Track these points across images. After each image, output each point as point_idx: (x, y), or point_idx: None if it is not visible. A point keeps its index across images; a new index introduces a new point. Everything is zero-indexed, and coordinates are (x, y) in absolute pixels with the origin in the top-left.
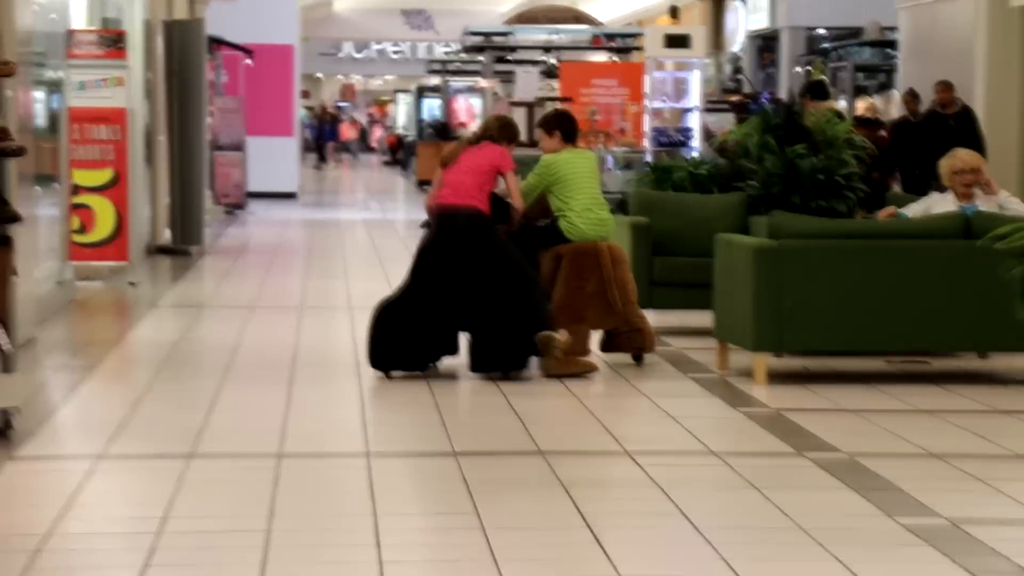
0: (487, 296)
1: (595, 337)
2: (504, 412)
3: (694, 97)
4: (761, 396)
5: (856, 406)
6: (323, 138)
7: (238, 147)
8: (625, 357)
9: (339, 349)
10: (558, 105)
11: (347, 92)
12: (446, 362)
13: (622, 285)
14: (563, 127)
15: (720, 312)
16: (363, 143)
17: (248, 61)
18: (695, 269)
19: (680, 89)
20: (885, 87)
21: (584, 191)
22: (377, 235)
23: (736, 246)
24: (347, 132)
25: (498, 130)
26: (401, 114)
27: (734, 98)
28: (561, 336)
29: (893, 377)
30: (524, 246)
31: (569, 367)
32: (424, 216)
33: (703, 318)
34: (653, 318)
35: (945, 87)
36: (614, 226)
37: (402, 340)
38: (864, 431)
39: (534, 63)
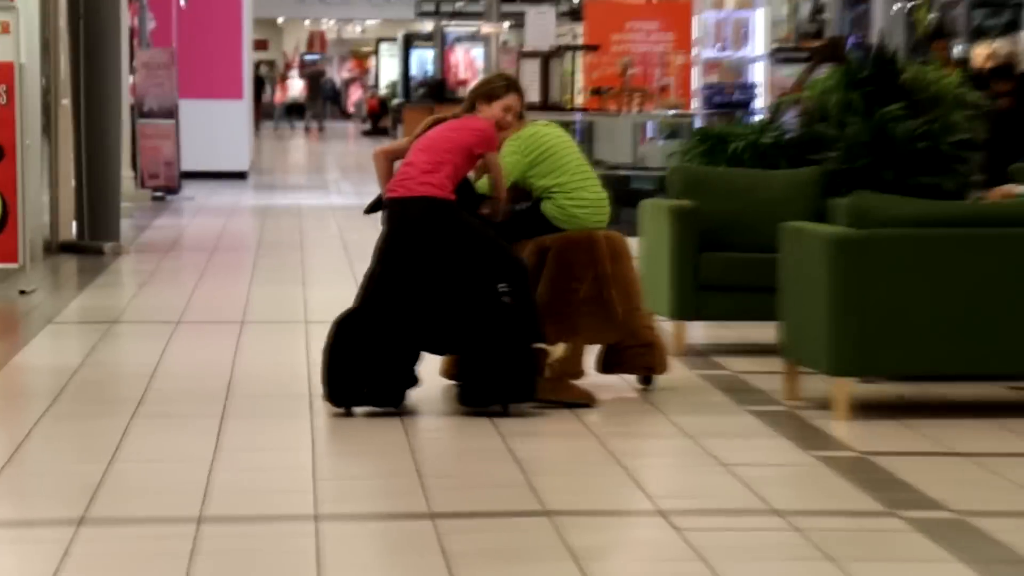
0: (468, 304)
1: (590, 352)
2: (500, 458)
3: (759, 43)
4: (842, 435)
5: (968, 448)
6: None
7: (169, 114)
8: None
9: (288, 377)
10: (581, 56)
11: (315, 42)
12: (425, 393)
13: (624, 286)
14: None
15: (788, 325)
16: (336, 107)
17: (182, 1)
18: (755, 268)
19: (741, 34)
20: (1014, 27)
21: (574, 165)
22: (349, 226)
23: (809, 237)
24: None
25: (484, 91)
26: (385, 70)
27: (813, 44)
28: (555, 350)
29: (1017, 409)
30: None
31: (561, 392)
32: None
33: (765, 332)
34: (699, 332)
35: None
36: (610, 210)
37: (366, 365)
38: (979, 481)
39: (551, 1)
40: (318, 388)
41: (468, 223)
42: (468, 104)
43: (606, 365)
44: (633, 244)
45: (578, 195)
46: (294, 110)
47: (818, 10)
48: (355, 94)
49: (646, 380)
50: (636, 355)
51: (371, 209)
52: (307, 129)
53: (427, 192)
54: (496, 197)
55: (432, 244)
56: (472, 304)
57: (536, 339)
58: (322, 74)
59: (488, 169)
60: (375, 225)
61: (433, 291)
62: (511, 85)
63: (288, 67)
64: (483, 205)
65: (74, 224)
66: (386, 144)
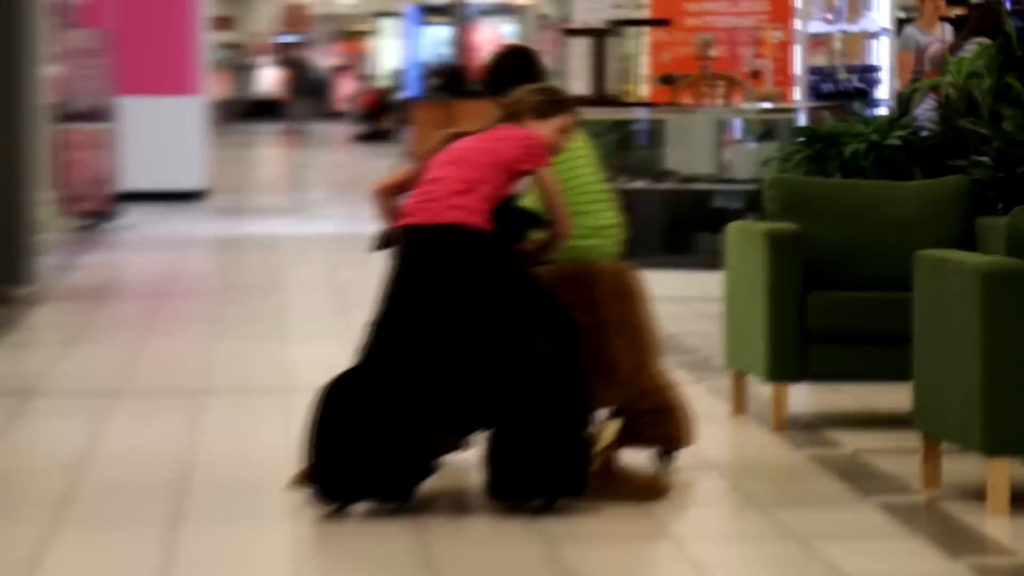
0: (503, 366)
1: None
2: (544, 571)
3: (883, 13)
4: (1000, 535)
5: None
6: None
7: (102, 116)
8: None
9: (263, 466)
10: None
11: (294, 18)
12: (441, 481)
13: (632, 334)
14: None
15: (924, 387)
16: (320, 102)
17: None
18: (879, 312)
19: (857, 1)
20: None
21: (584, 183)
22: (341, 262)
23: (954, 270)
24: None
25: (536, 106)
26: (386, 54)
27: (955, 12)
28: (608, 429)
29: None
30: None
31: (620, 489)
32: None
33: (893, 396)
34: (805, 397)
35: None
36: (621, 236)
37: (366, 446)
38: None
39: None
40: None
41: (508, 261)
42: (509, 116)
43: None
44: (705, 281)
45: (585, 221)
46: (265, 108)
47: None
48: (346, 86)
49: (666, 455)
50: (648, 424)
51: (381, 245)
52: (290, 133)
53: (458, 218)
54: (554, 223)
55: (459, 286)
56: (508, 366)
57: (588, 415)
58: (304, 64)
59: (540, 189)
60: (377, 260)
61: (456, 348)
62: (570, 100)
63: (257, 51)
64: (535, 233)
65: None
66: (387, 176)
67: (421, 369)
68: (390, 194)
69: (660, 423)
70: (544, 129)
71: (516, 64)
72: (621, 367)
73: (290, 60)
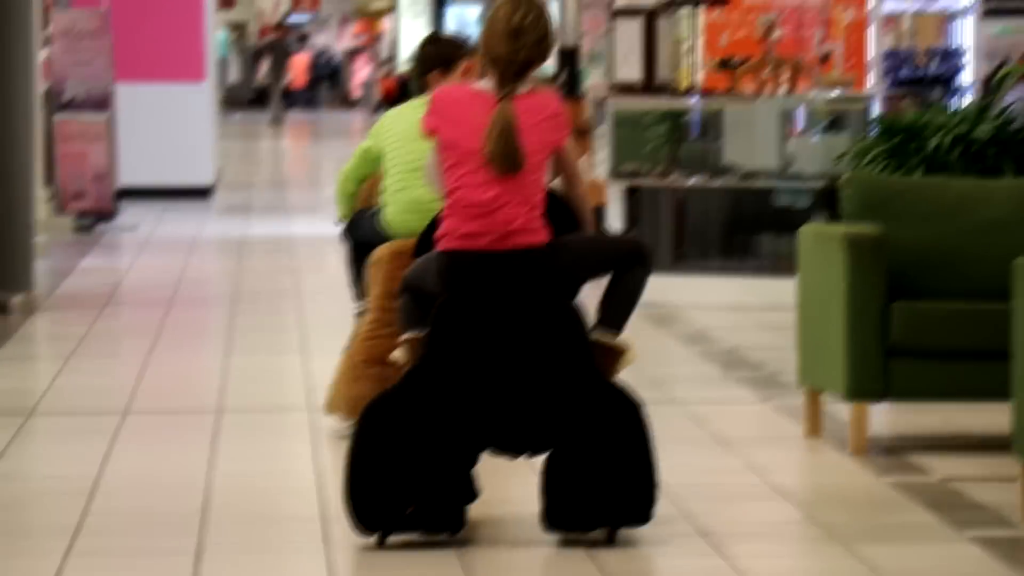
0: (562, 383)
1: None
2: None
3: None
4: None
5: None
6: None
7: (101, 104)
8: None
9: (290, 492)
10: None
11: None
12: (488, 509)
13: None
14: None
15: None
16: (333, 88)
17: None
18: (970, 324)
19: None
20: None
21: (401, 157)
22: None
23: None
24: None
25: (441, 58)
26: (407, 36)
27: None
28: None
29: None
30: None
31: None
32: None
33: (986, 418)
34: (889, 418)
35: None
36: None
37: (409, 473)
38: None
39: None
40: (335, 508)
41: (576, 270)
42: (418, 74)
43: None
44: (768, 288)
45: (401, 196)
46: (264, 95)
47: None
48: (362, 71)
49: None
50: None
51: (419, 250)
52: (275, 121)
53: (536, 240)
54: (578, 207)
55: (529, 310)
56: (569, 389)
57: (650, 442)
58: (287, 49)
59: (562, 168)
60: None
61: (517, 369)
62: (465, 43)
63: (264, 32)
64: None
65: None
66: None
67: (474, 390)
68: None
69: None
70: (452, 79)
71: (439, 51)
72: None
73: (272, 44)
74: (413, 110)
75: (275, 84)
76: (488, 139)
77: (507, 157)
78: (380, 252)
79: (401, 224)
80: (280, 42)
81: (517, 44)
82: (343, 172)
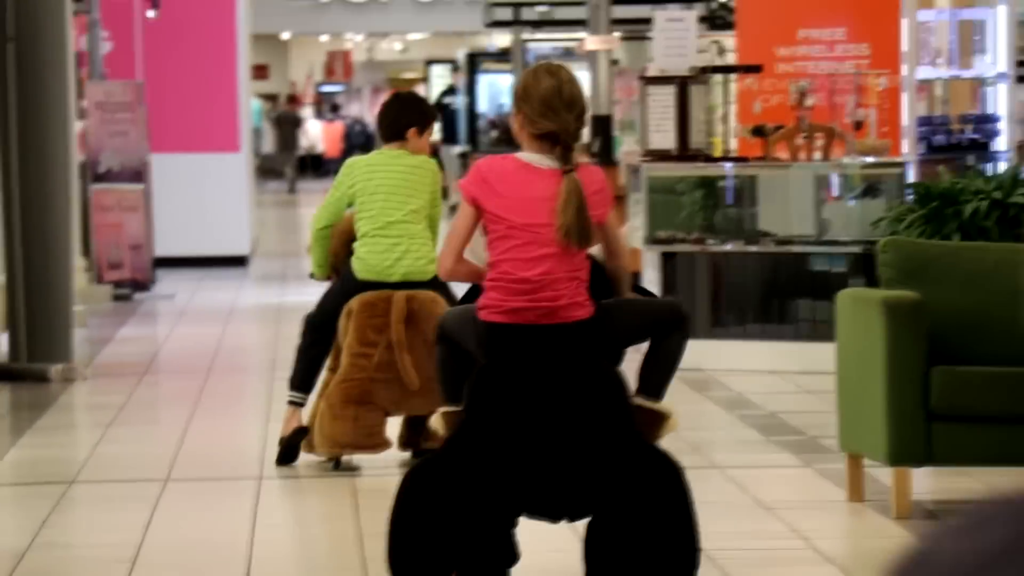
0: (605, 448)
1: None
2: None
3: (1000, 55)
4: None
5: None
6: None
7: (136, 176)
8: None
9: (333, 555)
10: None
11: (336, 65)
12: (527, 568)
13: (421, 351)
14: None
15: None
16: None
17: (151, 13)
18: (1011, 388)
19: (970, 42)
20: None
21: (377, 204)
22: None
23: None
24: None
25: (418, 119)
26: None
27: None
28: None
29: None
30: None
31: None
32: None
33: None
34: (931, 483)
35: None
36: (426, 262)
37: (451, 536)
38: None
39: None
40: (381, 573)
41: (618, 339)
42: (393, 132)
43: (408, 441)
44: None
45: (374, 243)
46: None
47: None
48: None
49: None
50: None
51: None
52: (291, 191)
53: (581, 314)
54: (618, 272)
55: (572, 373)
56: (611, 453)
57: (691, 506)
58: (296, 119)
59: (605, 239)
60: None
61: (552, 430)
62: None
63: (297, 103)
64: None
65: (4, 338)
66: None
67: (515, 456)
68: (463, 263)
69: None
70: (425, 140)
71: (405, 108)
72: (411, 380)
73: (282, 117)
74: (388, 162)
75: (285, 154)
76: (563, 213)
77: (581, 231)
78: (352, 303)
79: (369, 272)
80: (289, 114)
81: (572, 115)
82: (315, 225)
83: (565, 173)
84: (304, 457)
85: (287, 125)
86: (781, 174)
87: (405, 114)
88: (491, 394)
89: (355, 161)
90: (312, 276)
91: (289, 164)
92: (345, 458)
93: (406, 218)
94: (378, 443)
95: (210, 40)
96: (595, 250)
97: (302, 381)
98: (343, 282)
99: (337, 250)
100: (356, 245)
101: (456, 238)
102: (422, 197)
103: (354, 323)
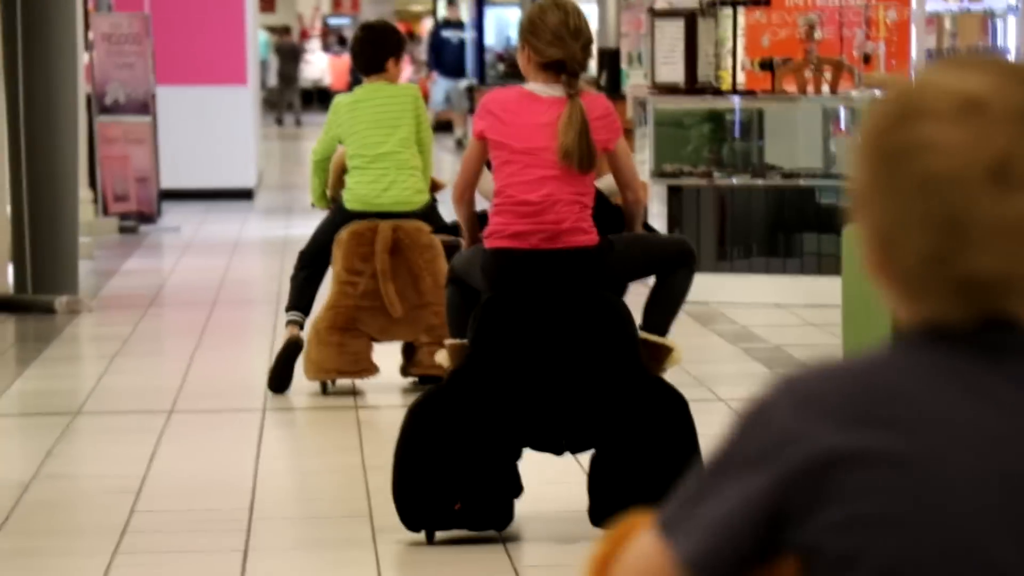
0: (612, 389)
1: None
2: None
3: None
4: None
5: None
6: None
7: (143, 108)
8: None
9: (339, 488)
10: (742, 15)
11: None
12: (532, 505)
13: (405, 280)
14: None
15: None
16: None
17: None
18: None
19: None
20: None
21: (364, 137)
22: None
23: None
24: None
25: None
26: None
27: None
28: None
29: None
30: None
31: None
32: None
33: None
34: None
35: None
36: (412, 192)
37: (456, 470)
38: None
39: None
40: (385, 505)
41: (624, 271)
42: (372, 63)
43: (403, 369)
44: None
45: (360, 174)
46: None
47: None
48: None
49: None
50: (427, 354)
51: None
52: (278, 122)
53: (585, 240)
54: (631, 206)
55: (576, 304)
56: (615, 386)
57: (696, 439)
58: (296, 50)
59: (617, 169)
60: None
61: (557, 362)
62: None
63: (304, 36)
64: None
65: (10, 270)
66: (461, 176)
67: (519, 388)
68: (471, 202)
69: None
70: (401, 66)
71: (380, 40)
72: (395, 308)
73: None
74: (370, 95)
75: (283, 86)
76: (564, 134)
77: (583, 153)
78: (341, 233)
79: (358, 203)
80: (286, 45)
81: (578, 45)
82: (313, 158)
83: (569, 98)
84: (307, 385)
85: (287, 58)
86: (789, 107)
87: (382, 46)
88: (495, 326)
89: (339, 102)
90: (313, 206)
91: (287, 96)
92: (340, 383)
93: (395, 148)
94: (363, 368)
95: None
96: (605, 184)
97: (296, 302)
98: (334, 213)
99: (334, 182)
100: (346, 177)
101: (465, 170)
102: (408, 124)
103: (342, 252)
